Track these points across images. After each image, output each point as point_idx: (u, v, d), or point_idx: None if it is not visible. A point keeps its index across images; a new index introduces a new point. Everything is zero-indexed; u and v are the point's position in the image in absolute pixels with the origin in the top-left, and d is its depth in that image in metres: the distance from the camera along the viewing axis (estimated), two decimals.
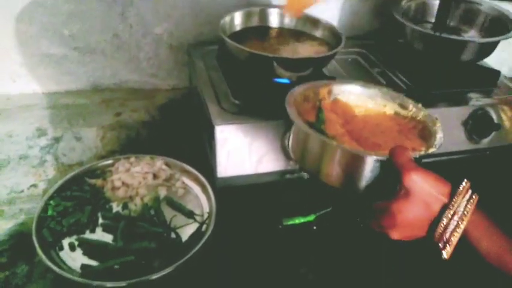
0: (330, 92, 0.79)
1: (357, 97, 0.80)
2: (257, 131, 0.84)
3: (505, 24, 1.07)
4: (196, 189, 0.87)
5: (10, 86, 1.07)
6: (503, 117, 1.00)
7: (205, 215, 0.81)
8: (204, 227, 0.78)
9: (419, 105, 0.77)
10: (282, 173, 0.88)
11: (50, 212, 0.78)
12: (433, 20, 1.13)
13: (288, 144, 0.79)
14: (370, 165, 0.63)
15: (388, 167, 0.59)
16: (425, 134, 0.72)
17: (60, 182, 0.83)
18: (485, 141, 0.98)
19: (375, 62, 1.09)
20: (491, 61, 1.14)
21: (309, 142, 0.69)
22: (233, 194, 0.86)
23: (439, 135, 0.69)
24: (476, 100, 0.99)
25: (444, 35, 0.99)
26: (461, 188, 0.55)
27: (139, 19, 1.06)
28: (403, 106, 0.78)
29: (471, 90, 1.03)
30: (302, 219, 0.85)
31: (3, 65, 1.04)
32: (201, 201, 0.85)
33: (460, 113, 0.96)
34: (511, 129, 1.00)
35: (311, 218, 0.85)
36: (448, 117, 0.93)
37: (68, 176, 0.85)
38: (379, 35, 1.20)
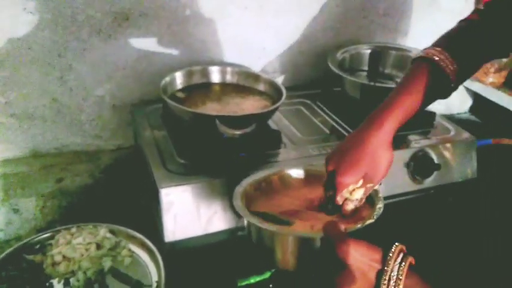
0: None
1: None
2: (205, 191, 0.82)
3: None
4: (143, 256, 0.83)
5: None
6: (446, 155, 1.04)
7: (154, 284, 0.77)
8: None
9: None
10: (233, 231, 0.86)
11: None
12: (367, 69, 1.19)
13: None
14: (307, 245, 0.63)
15: (324, 243, 0.59)
16: None
17: None
18: (428, 181, 1.01)
19: (317, 111, 1.13)
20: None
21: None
22: (183, 257, 0.82)
23: (379, 206, 0.68)
24: (416, 142, 1.03)
25: (378, 84, 1.04)
26: (391, 252, 0.54)
27: (79, 82, 1.04)
28: None
29: (410, 132, 1.06)
30: (257, 278, 0.82)
31: None
32: (150, 268, 0.80)
33: (402, 156, 0.99)
34: (454, 167, 1.05)
35: (266, 275, 0.83)
36: None
37: (3, 254, 0.78)
38: (319, 84, 1.24)
